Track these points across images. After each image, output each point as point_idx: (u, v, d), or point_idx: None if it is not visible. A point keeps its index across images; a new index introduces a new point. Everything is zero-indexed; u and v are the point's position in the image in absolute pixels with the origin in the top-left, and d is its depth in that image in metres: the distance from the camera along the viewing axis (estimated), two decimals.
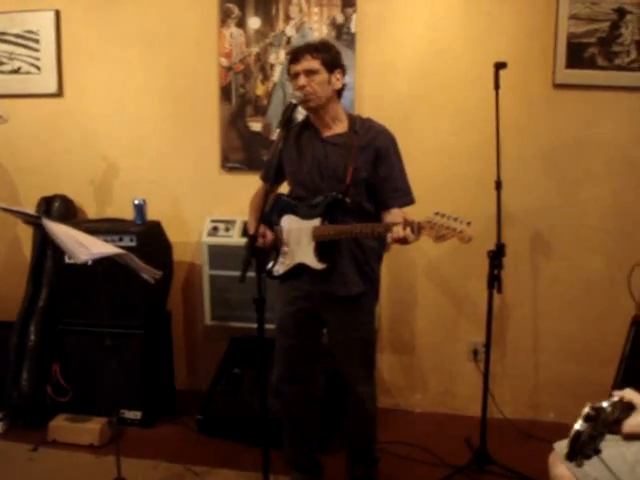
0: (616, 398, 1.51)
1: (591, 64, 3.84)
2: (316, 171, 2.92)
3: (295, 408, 3.16)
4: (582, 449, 1.44)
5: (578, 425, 1.44)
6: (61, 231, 3.02)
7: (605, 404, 1.46)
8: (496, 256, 3.36)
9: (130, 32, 4.32)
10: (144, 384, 4.02)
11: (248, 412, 3.73)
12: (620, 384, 3.44)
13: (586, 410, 1.44)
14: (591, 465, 1.63)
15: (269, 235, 2.95)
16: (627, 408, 1.52)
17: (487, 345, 3.52)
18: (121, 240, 3.86)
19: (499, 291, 3.39)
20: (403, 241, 2.58)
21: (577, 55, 3.84)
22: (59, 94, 4.46)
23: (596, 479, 1.99)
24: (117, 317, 3.78)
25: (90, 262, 2.99)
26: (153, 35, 4.29)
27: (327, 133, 2.94)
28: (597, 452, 1.46)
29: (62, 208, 4.38)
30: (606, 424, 1.47)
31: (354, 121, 2.94)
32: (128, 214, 4.17)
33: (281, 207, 3.01)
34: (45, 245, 4.24)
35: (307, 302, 2.97)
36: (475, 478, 3.45)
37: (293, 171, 3.02)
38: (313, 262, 2.85)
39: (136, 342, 3.97)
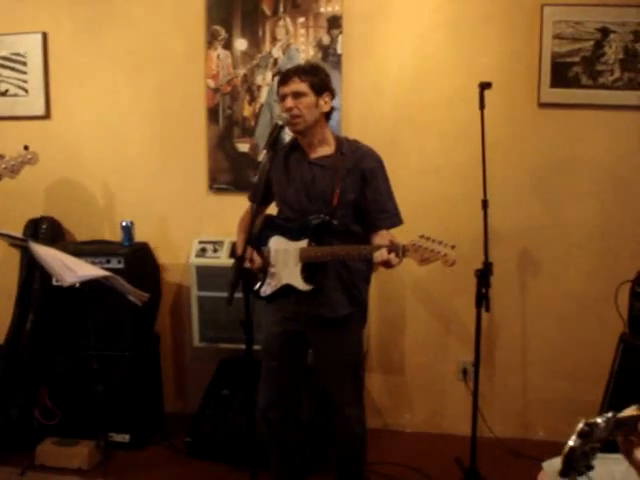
0: (610, 414, 1.50)
1: (575, 83, 3.88)
2: (303, 193, 2.93)
3: (281, 433, 3.14)
4: (575, 465, 1.43)
5: (572, 441, 1.43)
6: (47, 254, 3.02)
7: (599, 420, 1.46)
8: (484, 275, 3.37)
9: (117, 54, 4.33)
10: (133, 407, 4.00)
11: (237, 434, 3.72)
12: (609, 401, 3.44)
13: (580, 426, 1.43)
14: None
15: (257, 259, 2.94)
16: (620, 425, 1.51)
17: (476, 364, 3.51)
18: (109, 262, 3.86)
19: (487, 310, 3.40)
20: (386, 264, 2.59)
21: (561, 74, 3.87)
22: (46, 116, 4.46)
23: None
24: (105, 339, 3.80)
25: (77, 285, 2.98)
26: (140, 57, 4.31)
27: (314, 155, 2.95)
28: (589, 469, 1.45)
29: (49, 230, 4.36)
30: (600, 441, 1.46)
31: (341, 143, 2.96)
32: (116, 236, 4.17)
33: (269, 228, 3.00)
34: (32, 268, 4.22)
35: (293, 324, 2.96)
36: None
37: (281, 192, 3.02)
38: (299, 283, 2.85)
39: (124, 364, 3.95)
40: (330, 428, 3.21)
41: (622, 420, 1.49)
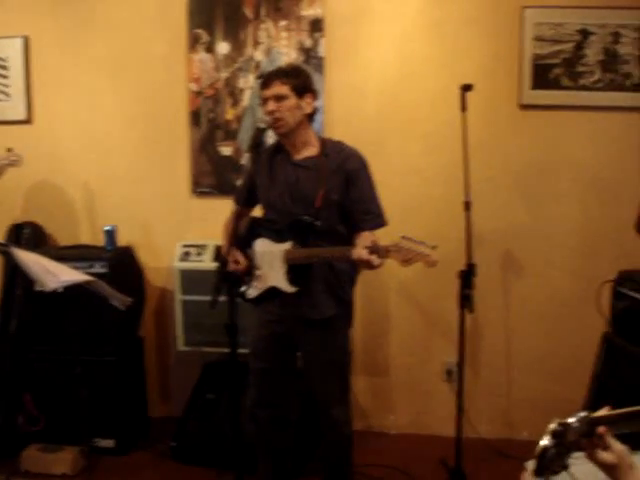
0: (583, 414, 1.51)
1: (556, 85, 3.91)
2: (287, 194, 2.93)
3: (269, 432, 3.14)
4: (549, 465, 1.44)
5: (545, 441, 1.44)
6: (29, 259, 3.00)
7: (572, 420, 1.46)
8: (467, 276, 3.39)
9: (99, 58, 4.31)
10: (117, 412, 3.97)
11: (222, 438, 3.71)
12: (592, 400, 3.46)
13: (553, 426, 1.44)
14: None
15: (242, 261, 2.94)
16: (594, 424, 1.52)
17: (460, 365, 3.53)
18: (92, 267, 3.84)
19: (471, 311, 3.41)
20: (368, 265, 2.60)
21: (542, 76, 3.90)
22: (28, 120, 4.43)
23: None
24: (88, 344, 3.78)
25: (61, 289, 2.97)
26: (122, 61, 4.30)
27: (298, 156, 2.95)
28: (565, 468, 1.45)
29: (32, 235, 4.34)
30: (572, 440, 1.47)
31: (325, 144, 2.96)
32: (99, 240, 4.15)
33: (254, 230, 3.01)
34: (15, 273, 4.19)
35: (280, 326, 2.97)
36: None
37: (265, 194, 3.02)
38: (285, 285, 2.85)
39: (108, 369, 3.93)
40: (317, 428, 3.21)
41: (596, 420, 1.50)
